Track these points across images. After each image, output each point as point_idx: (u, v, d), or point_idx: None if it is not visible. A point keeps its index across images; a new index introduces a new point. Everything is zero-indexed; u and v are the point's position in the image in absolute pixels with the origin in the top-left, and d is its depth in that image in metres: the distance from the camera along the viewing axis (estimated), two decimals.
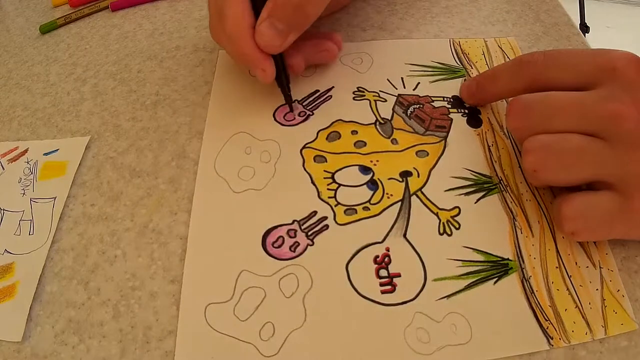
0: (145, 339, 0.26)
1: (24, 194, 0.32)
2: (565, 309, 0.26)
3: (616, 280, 0.27)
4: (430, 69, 0.37)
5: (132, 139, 0.35)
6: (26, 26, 0.46)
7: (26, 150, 0.35)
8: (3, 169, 0.34)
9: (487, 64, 0.38)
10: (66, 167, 0.33)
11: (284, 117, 0.35)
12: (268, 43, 0.30)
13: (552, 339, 0.25)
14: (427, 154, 0.32)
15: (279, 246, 0.29)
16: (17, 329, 0.26)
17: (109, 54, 0.42)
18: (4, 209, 0.32)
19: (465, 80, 0.36)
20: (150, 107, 0.37)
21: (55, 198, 0.32)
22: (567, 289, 0.27)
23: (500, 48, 0.39)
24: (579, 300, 0.26)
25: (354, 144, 0.33)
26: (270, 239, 0.29)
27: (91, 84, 0.39)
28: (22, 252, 0.29)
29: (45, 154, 0.34)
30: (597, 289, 0.27)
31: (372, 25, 0.42)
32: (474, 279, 0.27)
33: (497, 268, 0.27)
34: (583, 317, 0.26)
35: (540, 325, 0.25)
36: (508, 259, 0.28)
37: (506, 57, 0.38)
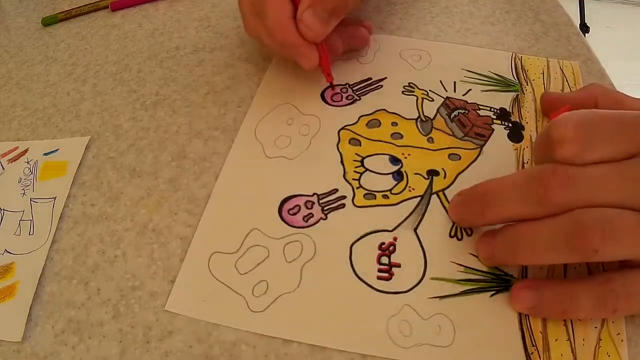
0: (145, 339, 0.26)
1: (24, 194, 0.32)
2: (556, 339, 0.25)
3: (619, 323, 0.25)
4: (485, 78, 0.37)
5: (132, 139, 0.35)
6: (26, 26, 0.46)
7: (26, 150, 0.35)
8: (3, 169, 0.34)
9: (543, 83, 0.37)
10: (66, 167, 0.33)
11: (331, 97, 0.36)
12: (313, 31, 0.31)
13: None
14: (459, 158, 0.32)
15: (294, 214, 0.30)
16: (17, 329, 0.26)
17: (109, 54, 0.42)
18: (4, 209, 0.32)
19: (517, 95, 0.35)
20: (150, 107, 0.37)
21: (55, 198, 0.32)
22: (564, 319, 0.25)
23: (562, 70, 0.38)
24: (573, 334, 0.25)
25: (391, 134, 0.34)
26: (288, 205, 0.30)
27: (91, 84, 0.39)
28: (22, 252, 0.29)
29: (45, 154, 0.34)
30: (595, 327, 0.25)
31: (372, 25, 0.42)
32: (471, 287, 0.27)
33: (497, 282, 0.27)
34: (572, 352, 0.24)
35: (526, 350, 0.24)
36: (511, 276, 0.27)
37: (566, 80, 0.37)
